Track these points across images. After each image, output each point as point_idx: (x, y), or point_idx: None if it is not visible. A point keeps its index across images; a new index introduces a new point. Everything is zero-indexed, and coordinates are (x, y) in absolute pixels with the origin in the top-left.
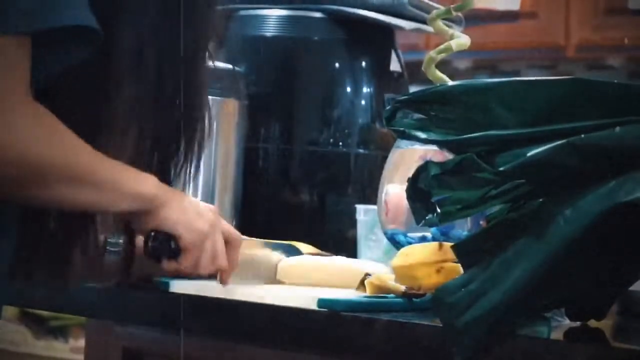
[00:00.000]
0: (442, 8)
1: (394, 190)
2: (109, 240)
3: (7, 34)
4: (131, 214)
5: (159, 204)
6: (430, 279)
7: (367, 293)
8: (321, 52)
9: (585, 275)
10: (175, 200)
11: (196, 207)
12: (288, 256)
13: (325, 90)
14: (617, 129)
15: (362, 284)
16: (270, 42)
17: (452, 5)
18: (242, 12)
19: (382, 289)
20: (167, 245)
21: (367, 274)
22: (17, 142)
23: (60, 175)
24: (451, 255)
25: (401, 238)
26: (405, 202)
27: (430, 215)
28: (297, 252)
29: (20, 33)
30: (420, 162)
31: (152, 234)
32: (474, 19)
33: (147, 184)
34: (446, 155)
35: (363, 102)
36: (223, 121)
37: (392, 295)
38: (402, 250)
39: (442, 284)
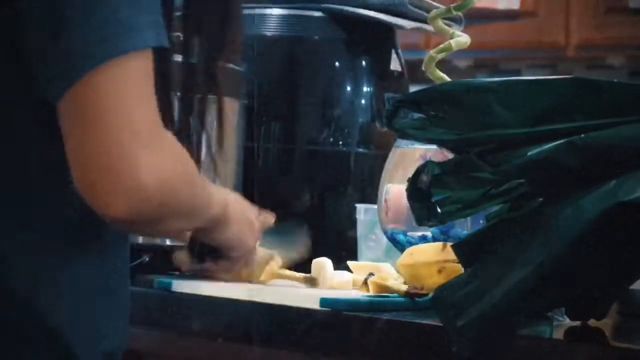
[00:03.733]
0: (442, 7)
1: (394, 189)
2: None
3: (140, 50)
4: (190, 230)
5: (221, 224)
6: (432, 279)
7: (370, 292)
8: (321, 52)
9: (586, 275)
10: (234, 214)
11: (248, 218)
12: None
13: (326, 89)
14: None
15: (365, 284)
16: (270, 42)
17: (452, 5)
18: (242, 11)
19: (384, 289)
20: (213, 249)
21: (370, 274)
22: (163, 180)
23: (185, 208)
24: (454, 255)
25: (401, 237)
26: (405, 202)
27: (430, 215)
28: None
29: (147, 48)
30: (421, 162)
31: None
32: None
33: (220, 203)
34: (446, 155)
35: (363, 102)
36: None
37: (394, 294)
38: (408, 249)
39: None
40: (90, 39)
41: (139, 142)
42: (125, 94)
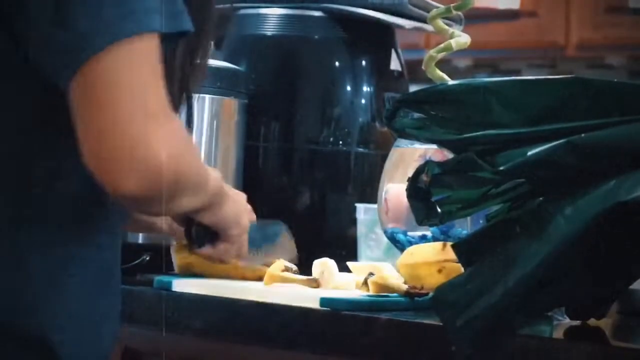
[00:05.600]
0: (442, 7)
1: (394, 189)
2: None
3: (149, 32)
4: (193, 209)
5: (219, 201)
6: (432, 279)
7: (370, 292)
8: (321, 51)
9: (586, 274)
10: (230, 191)
11: (241, 200)
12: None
13: (325, 89)
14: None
15: (365, 283)
16: (270, 41)
17: (452, 4)
18: (242, 11)
19: (384, 288)
20: (209, 233)
21: (370, 273)
22: (174, 155)
23: (192, 185)
24: (453, 255)
25: (401, 237)
26: (405, 201)
27: (430, 215)
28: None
29: (155, 32)
30: (421, 161)
31: (196, 221)
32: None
33: (215, 181)
34: (446, 155)
35: (363, 101)
36: (223, 120)
37: (394, 294)
38: (409, 249)
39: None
40: (99, 20)
41: (151, 119)
42: (137, 72)
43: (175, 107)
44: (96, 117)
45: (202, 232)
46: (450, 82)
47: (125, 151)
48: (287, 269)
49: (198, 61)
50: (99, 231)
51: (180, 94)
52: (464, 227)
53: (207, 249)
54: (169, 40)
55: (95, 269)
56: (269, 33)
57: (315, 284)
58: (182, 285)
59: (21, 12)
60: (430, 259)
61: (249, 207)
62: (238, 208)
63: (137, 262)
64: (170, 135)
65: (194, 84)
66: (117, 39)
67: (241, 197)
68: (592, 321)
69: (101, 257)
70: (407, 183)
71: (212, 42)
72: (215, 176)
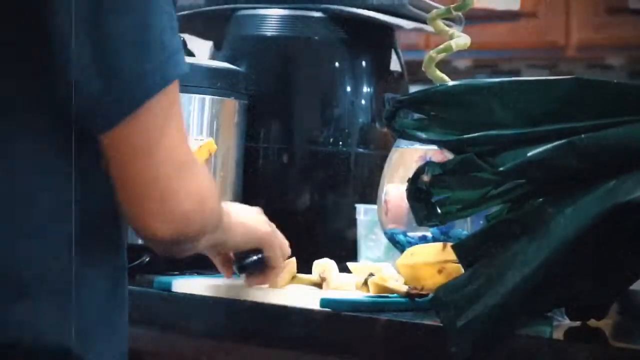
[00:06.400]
0: (442, 8)
1: (394, 189)
2: None
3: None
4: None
5: (233, 223)
6: (432, 279)
7: (370, 293)
8: (321, 52)
9: (586, 275)
10: (237, 209)
11: (249, 209)
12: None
13: (325, 89)
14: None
15: (365, 284)
16: (270, 42)
17: (452, 5)
18: (242, 12)
19: (385, 289)
20: (257, 262)
21: (371, 274)
22: (201, 205)
23: (214, 227)
24: (454, 255)
25: (401, 238)
26: (405, 202)
27: (430, 215)
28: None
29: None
30: (421, 162)
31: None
32: (474, 19)
33: (261, 225)
34: (446, 155)
35: (363, 102)
36: (223, 120)
37: (394, 295)
38: (409, 249)
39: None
40: (146, 64)
41: (180, 172)
42: (170, 125)
43: None
44: (130, 171)
45: (251, 264)
46: (450, 82)
47: (156, 202)
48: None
49: None
50: (118, 235)
51: None
52: (464, 227)
53: (257, 278)
54: None
55: (115, 272)
56: (268, 34)
57: (320, 282)
58: (182, 286)
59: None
60: (430, 260)
61: (262, 217)
62: (254, 220)
63: (137, 262)
64: (197, 186)
65: None
66: (166, 84)
67: (249, 209)
68: (592, 322)
69: (120, 259)
70: (407, 184)
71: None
72: (261, 221)
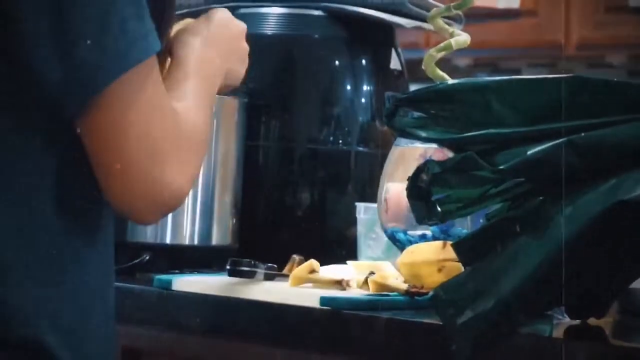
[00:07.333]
0: (442, 6)
1: (394, 188)
2: None
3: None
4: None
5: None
6: (432, 278)
7: (370, 291)
8: (321, 50)
9: (586, 274)
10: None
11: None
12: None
13: (325, 88)
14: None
15: (365, 282)
16: (270, 40)
17: (452, 3)
18: (242, 10)
19: (385, 287)
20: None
21: (371, 272)
22: (192, 179)
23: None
24: (454, 254)
25: (401, 236)
26: (405, 200)
27: (430, 214)
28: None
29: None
30: (421, 161)
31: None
32: (474, 17)
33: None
34: (446, 154)
35: (363, 100)
36: (223, 119)
37: (394, 293)
38: (409, 248)
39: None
40: (103, 53)
41: (155, 157)
42: (144, 105)
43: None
44: (109, 157)
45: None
46: (450, 81)
47: (140, 191)
48: (313, 270)
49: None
50: (105, 228)
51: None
52: (464, 226)
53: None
54: None
55: (104, 267)
56: (269, 32)
57: (342, 285)
58: (182, 285)
59: (27, 43)
60: (430, 258)
61: (237, 29)
62: (237, 59)
63: (137, 261)
64: (184, 159)
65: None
66: (123, 71)
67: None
68: (592, 320)
69: (107, 253)
70: (407, 182)
71: None
72: (187, 71)
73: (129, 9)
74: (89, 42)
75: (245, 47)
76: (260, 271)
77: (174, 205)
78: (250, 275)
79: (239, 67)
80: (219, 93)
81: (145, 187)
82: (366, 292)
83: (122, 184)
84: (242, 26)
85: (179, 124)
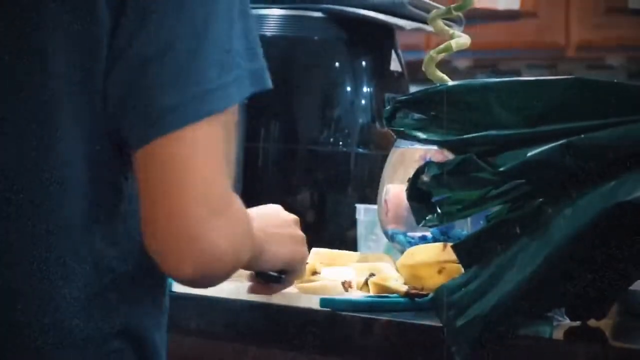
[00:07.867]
0: (442, 8)
1: (394, 189)
2: None
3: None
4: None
5: (262, 246)
6: (432, 279)
7: (370, 293)
8: (321, 52)
9: (586, 275)
10: (266, 230)
11: (282, 224)
12: None
13: (325, 89)
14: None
15: (365, 284)
16: (270, 42)
17: (452, 5)
18: None
19: (385, 289)
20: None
21: (371, 274)
22: (234, 248)
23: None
24: (454, 256)
25: (401, 238)
26: (405, 202)
27: (430, 216)
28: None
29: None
30: (421, 162)
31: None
32: (474, 19)
33: (292, 251)
34: (446, 155)
35: (363, 102)
36: None
37: (394, 295)
38: (409, 249)
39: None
40: (182, 96)
41: (213, 211)
42: (206, 158)
43: None
44: (160, 200)
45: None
46: (451, 82)
47: (183, 242)
48: (316, 272)
49: None
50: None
51: None
52: (464, 228)
53: (278, 287)
54: None
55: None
56: (268, 34)
57: (344, 286)
58: (181, 285)
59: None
60: (430, 260)
61: (289, 217)
62: (280, 240)
63: None
64: (231, 225)
65: None
66: (196, 120)
67: (281, 218)
68: (592, 322)
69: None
70: (407, 184)
71: None
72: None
73: (217, 53)
74: (167, 81)
75: (299, 234)
76: (284, 276)
77: (209, 265)
78: (277, 280)
79: (280, 249)
80: (245, 268)
81: (182, 238)
82: (366, 294)
83: (162, 227)
84: (292, 215)
85: (233, 198)
